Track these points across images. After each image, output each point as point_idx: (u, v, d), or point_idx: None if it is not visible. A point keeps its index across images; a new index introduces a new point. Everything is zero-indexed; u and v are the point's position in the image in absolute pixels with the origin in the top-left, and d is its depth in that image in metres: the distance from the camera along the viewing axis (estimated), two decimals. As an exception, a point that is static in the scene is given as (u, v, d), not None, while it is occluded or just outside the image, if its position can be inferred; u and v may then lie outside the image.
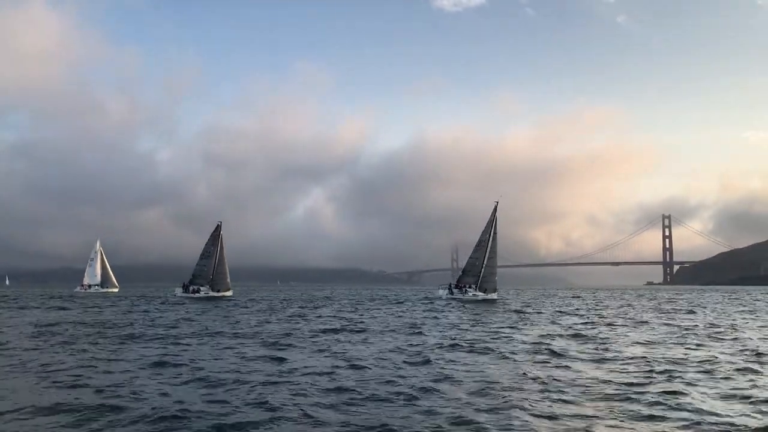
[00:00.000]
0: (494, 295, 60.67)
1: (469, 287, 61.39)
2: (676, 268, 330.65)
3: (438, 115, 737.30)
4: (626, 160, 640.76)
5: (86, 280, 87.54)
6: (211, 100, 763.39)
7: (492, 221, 63.91)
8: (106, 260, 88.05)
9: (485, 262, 62.38)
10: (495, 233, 63.44)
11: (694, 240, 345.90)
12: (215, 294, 64.07)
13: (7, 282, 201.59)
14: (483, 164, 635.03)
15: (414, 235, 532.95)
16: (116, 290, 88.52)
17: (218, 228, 64.37)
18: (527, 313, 37.24)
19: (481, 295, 60.07)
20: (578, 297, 76.47)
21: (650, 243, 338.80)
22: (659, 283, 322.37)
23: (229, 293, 66.09)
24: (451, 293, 61.55)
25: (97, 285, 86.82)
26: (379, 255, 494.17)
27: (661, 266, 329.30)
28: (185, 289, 64.38)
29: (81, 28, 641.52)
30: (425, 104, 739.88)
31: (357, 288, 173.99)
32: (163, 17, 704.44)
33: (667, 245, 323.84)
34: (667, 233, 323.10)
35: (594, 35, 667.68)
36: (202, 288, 63.82)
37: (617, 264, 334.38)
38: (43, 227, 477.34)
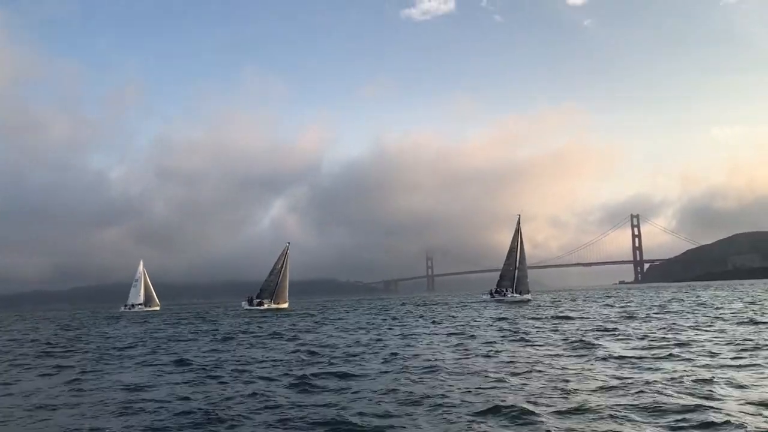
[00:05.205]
0: (528, 296, 69.27)
1: (507, 290, 69.84)
2: (646, 266, 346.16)
3: (399, 120, 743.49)
4: (589, 160, 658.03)
5: (130, 300, 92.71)
6: (158, 112, 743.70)
7: (517, 231, 73.06)
8: (149, 281, 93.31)
9: (518, 266, 71.11)
10: (521, 241, 72.48)
11: (661, 237, 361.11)
12: (275, 306, 70.60)
13: None
14: (446, 169, 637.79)
15: (384, 242, 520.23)
16: (158, 308, 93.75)
17: (286, 248, 71.54)
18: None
19: (518, 296, 68.50)
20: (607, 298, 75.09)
21: (619, 242, 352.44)
22: (631, 282, 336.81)
23: (285, 305, 72.49)
24: (493, 297, 69.69)
25: (141, 304, 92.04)
26: (351, 265, 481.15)
27: (631, 265, 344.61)
28: (250, 302, 70.80)
29: (11, 43, 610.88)
30: (385, 110, 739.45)
31: (347, 299, 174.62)
32: (97, 28, 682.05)
33: (637, 244, 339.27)
34: (636, 232, 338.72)
35: (560, 38, 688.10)
36: (264, 301, 70.32)
37: (590, 264, 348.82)
38: (0, 251, 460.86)
